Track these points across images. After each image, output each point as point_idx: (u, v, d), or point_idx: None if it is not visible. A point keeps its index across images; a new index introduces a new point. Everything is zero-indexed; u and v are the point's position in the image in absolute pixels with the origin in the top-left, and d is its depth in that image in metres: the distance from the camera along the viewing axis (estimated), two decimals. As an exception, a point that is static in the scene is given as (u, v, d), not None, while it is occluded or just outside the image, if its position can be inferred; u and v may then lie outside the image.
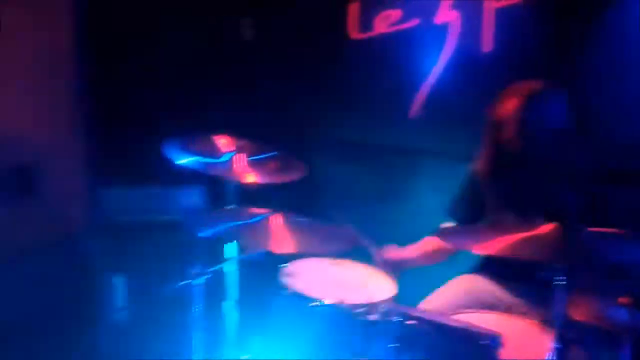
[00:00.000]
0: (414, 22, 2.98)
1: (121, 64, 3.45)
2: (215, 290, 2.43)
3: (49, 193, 3.40)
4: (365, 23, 3.03)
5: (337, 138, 3.15)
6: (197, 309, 2.26)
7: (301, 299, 2.20)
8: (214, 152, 2.54)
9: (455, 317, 2.05)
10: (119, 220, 3.08)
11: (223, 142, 2.58)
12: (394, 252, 2.52)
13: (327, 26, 3.06)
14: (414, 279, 2.46)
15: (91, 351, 3.04)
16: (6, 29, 3.03)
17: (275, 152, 2.58)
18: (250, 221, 2.39)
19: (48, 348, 3.07)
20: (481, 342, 1.77)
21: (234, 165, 2.51)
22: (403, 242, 2.88)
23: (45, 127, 3.36)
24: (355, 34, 3.05)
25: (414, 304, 2.30)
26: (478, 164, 2.42)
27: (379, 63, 3.00)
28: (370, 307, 1.98)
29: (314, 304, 2.14)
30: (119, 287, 3.00)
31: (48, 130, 3.39)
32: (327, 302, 2.12)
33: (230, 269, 2.49)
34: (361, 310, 1.98)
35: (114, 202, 3.09)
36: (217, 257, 2.51)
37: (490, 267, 2.44)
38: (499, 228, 2.06)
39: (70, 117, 3.52)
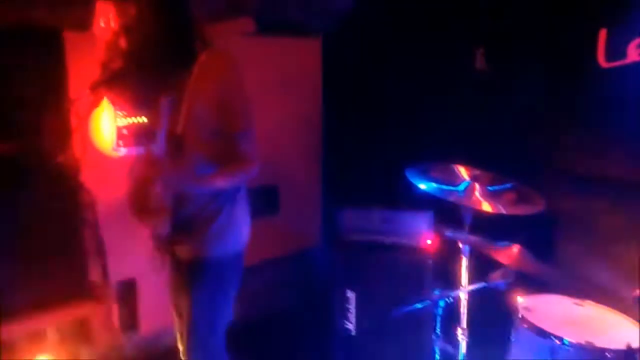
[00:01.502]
0: (674, 49, 2.73)
1: (360, 91, 3.70)
2: (449, 315, 2.46)
3: (292, 210, 3.77)
4: (616, 51, 2.86)
5: (580, 171, 2.99)
6: (432, 332, 2.31)
7: (540, 334, 2.14)
8: (452, 179, 2.61)
9: None
10: (353, 239, 3.27)
11: (461, 171, 2.64)
12: None
13: (572, 54, 2.94)
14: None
15: (322, 357, 3.27)
16: (272, 70, 3.49)
17: (513, 184, 2.56)
18: (484, 250, 2.40)
19: (282, 345, 3.39)
20: None
21: (471, 194, 2.54)
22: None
23: (292, 152, 3.74)
24: (604, 62, 2.89)
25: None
26: None
27: (631, 93, 2.80)
28: (630, 352, 1.85)
29: (555, 342, 2.07)
30: (350, 301, 3.18)
31: (294, 155, 3.76)
32: (571, 341, 2.03)
33: (466, 296, 2.50)
34: (615, 354, 1.87)
35: (350, 222, 3.30)
36: (452, 282, 2.54)
37: None
38: None
39: (313, 143, 3.87)
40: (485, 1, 3.29)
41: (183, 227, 2.17)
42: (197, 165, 2.09)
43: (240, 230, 2.25)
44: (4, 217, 2.41)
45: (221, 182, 2.13)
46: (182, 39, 2.01)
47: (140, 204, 2.10)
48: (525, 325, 2.20)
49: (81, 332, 2.74)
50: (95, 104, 2.09)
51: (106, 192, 2.82)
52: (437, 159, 2.74)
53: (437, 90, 3.45)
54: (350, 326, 3.17)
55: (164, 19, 1.95)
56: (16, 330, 2.42)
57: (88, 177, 2.78)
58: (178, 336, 2.36)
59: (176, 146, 2.05)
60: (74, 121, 2.46)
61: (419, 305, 2.30)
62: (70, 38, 2.65)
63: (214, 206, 2.15)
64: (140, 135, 2.39)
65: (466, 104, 3.35)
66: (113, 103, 2.22)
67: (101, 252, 2.80)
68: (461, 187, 2.57)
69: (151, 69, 1.98)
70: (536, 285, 2.29)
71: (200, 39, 2.06)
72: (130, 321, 3.11)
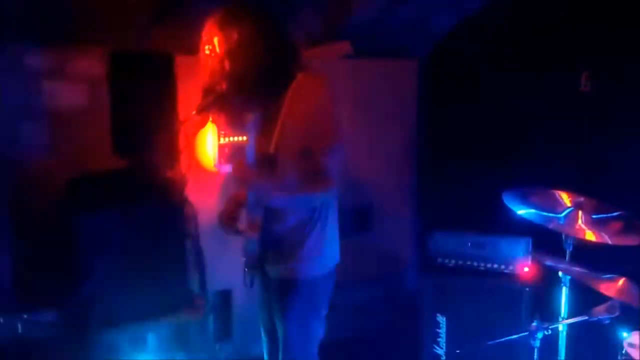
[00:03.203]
0: None
1: (457, 114, 3.66)
2: (547, 348, 2.36)
3: (384, 230, 3.77)
4: None
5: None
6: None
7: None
8: (552, 206, 2.52)
9: None
10: (444, 263, 3.22)
11: (563, 197, 2.54)
12: None
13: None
14: None
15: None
16: (369, 92, 3.54)
17: (621, 212, 2.43)
18: (587, 281, 2.29)
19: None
20: None
21: (573, 222, 2.44)
22: None
23: (386, 172, 3.75)
24: None
25: None
26: None
27: None
28: None
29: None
30: (440, 326, 3.13)
31: (388, 176, 3.77)
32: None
33: (566, 329, 2.39)
34: None
35: (442, 245, 3.25)
36: (550, 314, 2.44)
37: None
38: None
39: (407, 164, 3.86)
40: (591, 22, 3.17)
41: (273, 247, 2.22)
42: (288, 184, 2.12)
43: (330, 251, 2.27)
44: (117, 228, 2.57)
45: (299, 195, 2.12)
46: (280, 62, 2.08)
47: (230, 219, 2.19)
48: (631, 364, 2.08)
49: (179, 339, 2.87)
50: (201, 124, 2.21)
51: (206, 206, 2.95)
52: (537, 184, 2.65)
53: (538, 112, 3.36)
54: (440, 351, 3.11)
55: (264, 43, 2.04)
56: (120, 334, 2.57)
57: (191, 192, 2.92)
58: (266, 356, 2.41)
59: (269, 165, 2.12)
60: (182, 139, 2.62)
61: (514, 336, 2.23)
62: (181, 62, 2.82)
63: (303, 227, 2.18)
64: (240, 153, 2.49)
65: (570, 127, 3.23)
66: (216, 123, 2.34)
67: (200, 263, 2.92)
68: (562, 214, 2.47)
69: (252, 91, 2.07)
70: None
71: (297, 62, 2.13)
72: (224, 331, 3.22)
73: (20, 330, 2.34)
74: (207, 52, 2.05)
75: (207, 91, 2.10)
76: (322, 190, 2.12)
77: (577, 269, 2.33)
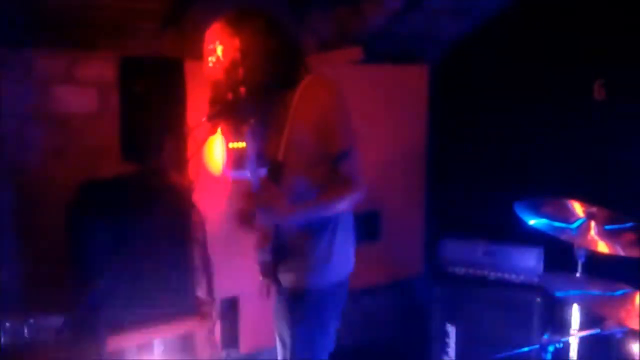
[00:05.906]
0: None
1: (468, 120, 3.63)
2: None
3: (393, 237, 3.73)
4: None
5: None
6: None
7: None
8: (565, 216, 2.48)
9: None
10: (454, 271, 3.18)
11: (576, 207, 2.50)
12: None
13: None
14: None
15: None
16: (378, 97, 3.52)
17: (635, 223, 2.39)
18: (599, 294, 2.25)
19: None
20: None
21: (586, 232, 2.40)
22: None
23: (395, 178, 3.71)
24: None
25: None
26: None
27: None
28: None
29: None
30: (450, 335, 3.09)
31: (397, 181, 3.73)
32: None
33: (576, 342, 2.35)
34: None
35: (452, 253, 3.21)
36: (562, 326, 2.41)
37: None
38: None
39: (417, 170, 3.82)
40: (605, 30, 3.13)
41: (284, 255, 2.19)
42: (299, 191, 2.09)
43: (342, 260, 2.21)
44: (124, 233, 2.56)
45: (324, 210, 2.08)
46: (285, 67, 2.05)
47: (246, 217, 2.16)
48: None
49: (185, 346, 2.85)
50: (211, 131, 2.19)
51: (214, 213, 2.93)
52: (550, 194, 2.61)
53: (551, 121, 3.32)
54: (450, 362, 3.08)
55: (267, 49, 2.01)
56: (126, 340, 2.56)
57: (199, 198, 2.91)
58: None
59: (276, 172, 2.09)
60: (191, 146, 2.61)
61: (525, 349, 2.19)
62: (191, 67, 2.81)
63: (314, 234, 2.13)
64: (247, 159, 2.46)
65: (583, 136, 3.19)
66: (225, 131, 2.32)
67: (208, 270, 2.90)
68: (575, 225, 2.43)
69: (259, 99, 2.05)
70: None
71: (304, 67, 2.10)
72: (231, 338, 3.20)
73: (26, 335, 2.33)
74: (211, 60, 2.03)
75: (215, 99, 2.08)
76: (349, 197, 2.06)
77: (588, 294, 2.25)
